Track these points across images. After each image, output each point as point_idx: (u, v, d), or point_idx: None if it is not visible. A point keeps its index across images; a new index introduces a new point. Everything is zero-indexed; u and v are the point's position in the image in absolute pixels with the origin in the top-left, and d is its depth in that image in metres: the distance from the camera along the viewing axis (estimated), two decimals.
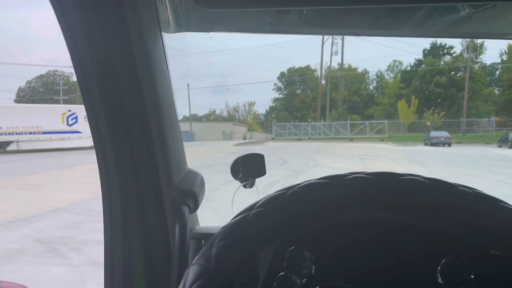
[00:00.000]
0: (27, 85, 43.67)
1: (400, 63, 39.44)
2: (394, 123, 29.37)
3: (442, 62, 33.76)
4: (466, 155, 16.18)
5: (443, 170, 11.15)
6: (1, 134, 20.44)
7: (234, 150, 18.56)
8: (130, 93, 0.84)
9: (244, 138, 34.78)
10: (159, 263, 0.94)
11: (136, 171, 0.90)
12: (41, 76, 43.40)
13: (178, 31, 0.96)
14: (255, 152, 0.97)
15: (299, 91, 44.75)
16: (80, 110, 22.11)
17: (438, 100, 31.50)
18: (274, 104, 46.13)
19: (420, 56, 34.73)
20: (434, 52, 34.17)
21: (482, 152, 17.24)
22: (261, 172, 0.96)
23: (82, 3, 0.75)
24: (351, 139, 26.07)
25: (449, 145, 20.35)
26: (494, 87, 32.57)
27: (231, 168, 0.98)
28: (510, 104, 27.38)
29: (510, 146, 18.31)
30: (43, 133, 21.85)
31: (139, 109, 0.85)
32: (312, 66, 43.40)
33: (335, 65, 40.27)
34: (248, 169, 0.95)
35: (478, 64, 32.68)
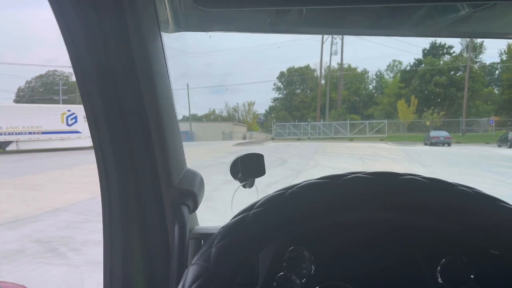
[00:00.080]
0: (27, 85, 43.73)
1: (400, 62, 39.51)
2: (394, 122, 29.40)
3: (441, 62, 33.81)
4: (465, 155, 16.20)
5: (443, 170, 11.16)
6: (1, 134, 20.42)
7: (234, 150, 18.56)
8: (129, 93, 0.84)
9: (244, 138, 34.78)
10: (158, 263, 0.94)
11: (136, 171, 0.90)
12: (41, 76, 43.46)
13: (178, 31, 0.96)
14: (255, 152, 0.97)
15: (299, 91, 44.80)
16: (79, 110, 22.07)
17: (438, 99, 31.55)
18: (273, 104, 46.23)
19: (419, 55, 34.81)
20: (433, 51, 34.21)
21: (482, 152, 17.26)
22: (261, 172, 0.96)
23: (80, 3, 0.74)
24: (351, 139, 26.09)
25: (449, 144, 20.37)
26: (494, 86, 32.62)
27: (230, 168, 0.98)
28: (509, 104, 27.40)
29: (510, 146, 18.33)
30: (43, 133, 21.83)
31: (138, 109, 0.85)
32: (312, 66, 43.49)
33: (334, 64, 40.25)
34: (247, 169, 0.95)
35: (478, 63, 32.73)
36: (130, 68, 0.81)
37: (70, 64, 0.79)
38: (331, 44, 34.84)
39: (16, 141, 21.04)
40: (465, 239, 0.72)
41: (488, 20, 0.91)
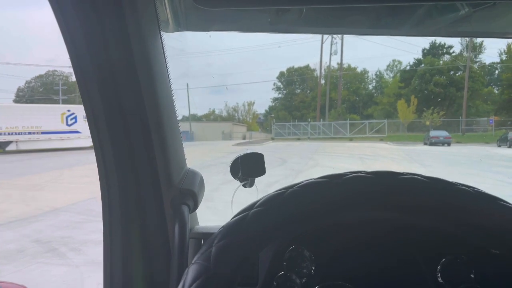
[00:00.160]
0: (26, 85, 43.67)
1: (400, 62, 39.54)
2: (394, 122, 29.42)
3: (441, 62, 33.84)
4: (465, 155, 16.21)
5: (443, 170, 11.15)
6: (1, 134, 20.41)
7: (234, 150, 18.56)
8: (129, 93, 0.84)
9: (244, 138, 34.78)
10: (158, 262, 0.94)
11: (136, 171, 0.90)
12: (40, 76, 43.40)
13: (177, 31, 0.96)
14: (255, 151, 0.97)
15: (299, 90, 44.80)
16: (79, 110, 22.06)
17: (438, 99, 31.56)
18: (273, 104, 46.25)
19: (419, 55, 34.84)
20: (433, 51, 34.23)
21: (482, 152, 17.27)
22: (261, 171, 0.96)
23: (80, 3, 0.74)
24: (351, 139, 26.10)
25: (449, 144, 20.38)
26: (494, 86, 32.63)
27: (230, 167, 0.98)
28: (509, 104, 27.41)
29: (510, 145, 18.34)
30: (43, 133, 21.82)
31: (138, 109, 0.85)
32: (312, 66, 43.51)
33: (334, 64, 40.35)
34: (247, 168, 0.95)
35: (478, 63, 32.76)
36: (130, 68, 0.81)
37: (70, 64, 0.79)
38: (331, 44, 34.92)
39: (16, 141, 21.02)
40: (465, 239, 0.72)
41: (488, 20, 0.91)
